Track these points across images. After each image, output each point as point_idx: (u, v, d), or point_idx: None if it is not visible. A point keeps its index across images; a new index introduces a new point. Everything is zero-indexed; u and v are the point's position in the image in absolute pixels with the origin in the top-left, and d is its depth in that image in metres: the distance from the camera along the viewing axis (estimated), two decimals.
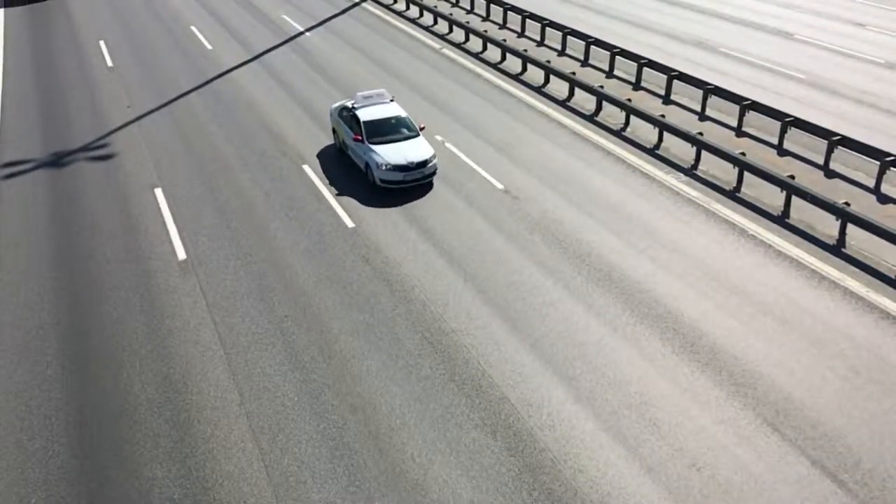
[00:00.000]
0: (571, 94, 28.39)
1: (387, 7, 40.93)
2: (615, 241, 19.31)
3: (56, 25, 38.09)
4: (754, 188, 21.51)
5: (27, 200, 21.73)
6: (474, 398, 14.47)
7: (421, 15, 39.02)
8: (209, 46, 34.81)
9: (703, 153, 23.13)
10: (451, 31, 35.99)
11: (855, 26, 35.37)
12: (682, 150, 23.83)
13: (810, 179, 21.94)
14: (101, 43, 35.21)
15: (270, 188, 22.13)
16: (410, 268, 18.38)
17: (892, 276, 17.70)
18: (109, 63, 32.61)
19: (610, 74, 30.35)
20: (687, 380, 14.85)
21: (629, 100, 25.79)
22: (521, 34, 35.35)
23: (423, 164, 21.50)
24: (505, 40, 32.45)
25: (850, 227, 19.25)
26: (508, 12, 36.84)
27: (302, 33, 36.70)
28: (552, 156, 23.86)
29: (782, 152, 23.82)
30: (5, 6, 41.68)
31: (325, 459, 13.23)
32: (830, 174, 22.44)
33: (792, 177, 20.43)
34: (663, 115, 24.81)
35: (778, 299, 17.03)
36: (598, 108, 27.02)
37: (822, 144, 23.32)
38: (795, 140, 24.24)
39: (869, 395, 14.41)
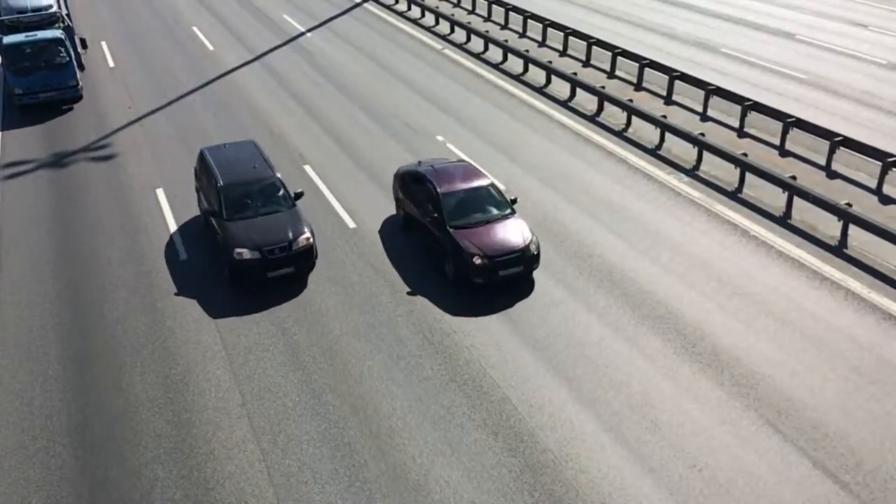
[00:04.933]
0: (573, 94, 28.38)
1: (388, 7, 40.93)
2: (616, 241, 19.30)
3: None
4: (756, 189, 21.50)
5: (29, 201, 21.75)
6: (475, 399, 14.47)
7: (422, 15, 39.02)
8: (210, 47, 34.83)
9: (705, 154, 23.11)
10: (452, 31, 35.99)
11: (856, 27, 35.35)
12: (683, 151, 23.81)
13: (812, 180, 21.92)
14: (103, 43, 35.23)
15: None
16: (411, 269, 18.36)
17: (894, 277, 17.68)
18: (111, 64, 32.62)
19: (611, 75, 30.34)
20: (688, 381, 14.84)
21: (631, 100, 25.78)
22: (523, 35, 35.34)
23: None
24: (506, 41, 32.45)
25: (852, 228, 19.22)
26: (510, 13, 36.84)
27: (303, 34, 36.71)
28: (554, 156, 23.85)
29: (784, 153, 23.80)
30: None
31: (327, 460, 13.23)
32: (832, 175, 22.42)
33: (794, 177, 20.41)
34: (665, 116, 24.80)
35: (779, 300, 17.02)
36: (600, 108, 27.01)
37: (824, 145, 23.29)
38: (797, 141, 24.22)
39: (871, 395, 14.39)
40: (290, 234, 17.36)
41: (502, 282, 17.28)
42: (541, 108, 27.61)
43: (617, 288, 17.55)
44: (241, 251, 16.93)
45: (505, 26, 36.76)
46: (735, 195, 21.37)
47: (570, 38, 32.99)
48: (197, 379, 15.07)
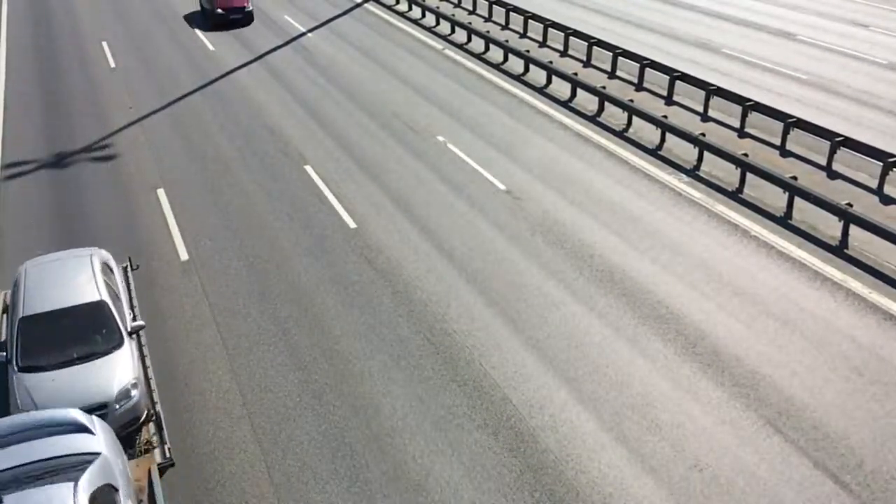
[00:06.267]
0: (574, 94, 28.38)
1: (389, 8, 40.95)
2: (617, 241, 19.30)
3: (58, 27, 38.14)
4: (757, 189, 21.49)
5: (30, 201, 21.75)
6: (476, 399, 14.47)
7: (423, 16, 39.03)
8: (211, 47, 34.84)
9: (706, 154, 23.11)
10: (453, 31, 36.00)
11: (857, 27, 35.34)
12: (684, 151, 23.81)
13: (813, 180, 21.91)
14: (104, 44, 35.25)
15: (272, 188, 22.14)
16: (412, 269, 18.38)
17: (895, 278, 17.67)
18: (112, 64, 32.64)
19: (612, 75, 30.34)
20: (689, 381, 14.84)
21: (631, 100, 25.77)
22: (524, 35, 35.35)
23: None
24: (507, 41, 32.45)
25: (853, 229, 19.21)
26: (511, 13, 36.85)
27: (304, 34, 36.72)
28: (554, 156, 23.86)
29: (785, 153, 23.80)
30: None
31: (327, 460, 13.24)
32: (833, 175, 22.42)
33: (794, 178, 20.40)
34: (665, 116, 24.79)
35: (780, 300, 17.01)
36: (601, 108, 27.01)
37: (825, 145, 23.29)
38: (798, 141, 24.22)
39: (871, 396, 14.39)
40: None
41: None
42: (541, 108, 27.61)
43: (617, 288, 17.55)
44: None
45: (506, 27, 36.76)
46: (736, 195, 21.37)
47: (571, 38, 33.00)
48: (197, 379, 15.07)
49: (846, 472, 12.87)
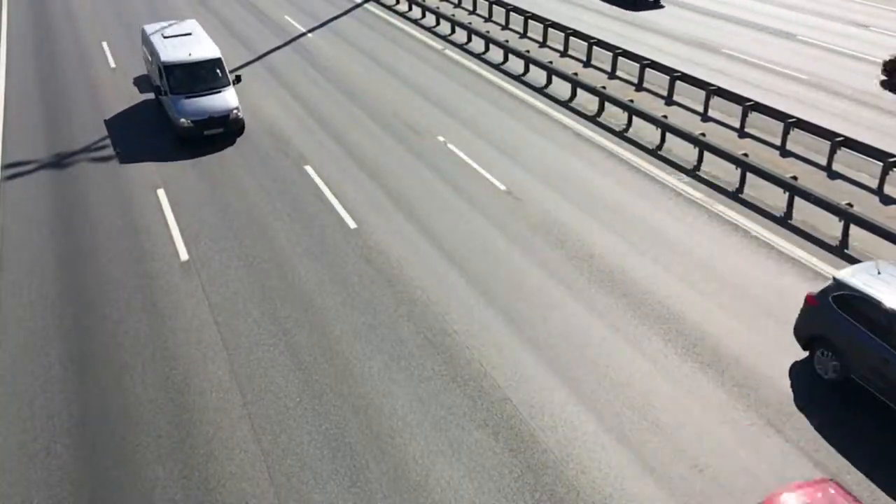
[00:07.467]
0: (574, 94, 28.38)
1: (389, 8, 40.94)
2: (617, 242, 19.30)
3: (58, 27, 38.13)
4: (757, 189, 21.50)
5: (30, 201, 21.75)
6: (476, 399, 14.47)
7: (423, 16, 39.03)
8: None
9: (706, 154, 23.11)
10: (453, 31, 35.99)
11: (857, 27, 35.34)
12: (684, 151, 23.81)
13: (813, 180, 21.92)
14: (104, 43, 35.23)
15: (272, 189, 22.14)
16: (412, 269, 18.38)
17: None
18: (112, 64, 32.62)
19: (612, 75, 30.34)
20: (689, 381, 14.84)
21: (631, 101, 25.78)
22: (524, 35, 35.35)
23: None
24: (507, 41, 32.45)
25: (853, 229, 19.23)
26: (511, 13, 36.86)
27: (304, 34, 36.72)
28: (554, 157, 23.86)
29: (785, 153, 23.80)
30: None
31: (328, 460, 13.24)
32: (833, 175, 22.42)
33: (795, 178, 20.41)
34: (666, 116, 24.79)
35: (780, 300, 17.01)
36: (601, 108, 27.01)
37: (825, 145, 23.30)
38: (798, 141, 24.22)
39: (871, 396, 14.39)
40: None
41: None
42: (541, 108, 27.61)
43: (618, 288, 17.55)
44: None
45: (506, 27, 36.76)
46: (736, 195, 21.37)
47: (571, 38, 33.01)
48: (198, 379, 15.07)
49: (846, 472, 12.87)
